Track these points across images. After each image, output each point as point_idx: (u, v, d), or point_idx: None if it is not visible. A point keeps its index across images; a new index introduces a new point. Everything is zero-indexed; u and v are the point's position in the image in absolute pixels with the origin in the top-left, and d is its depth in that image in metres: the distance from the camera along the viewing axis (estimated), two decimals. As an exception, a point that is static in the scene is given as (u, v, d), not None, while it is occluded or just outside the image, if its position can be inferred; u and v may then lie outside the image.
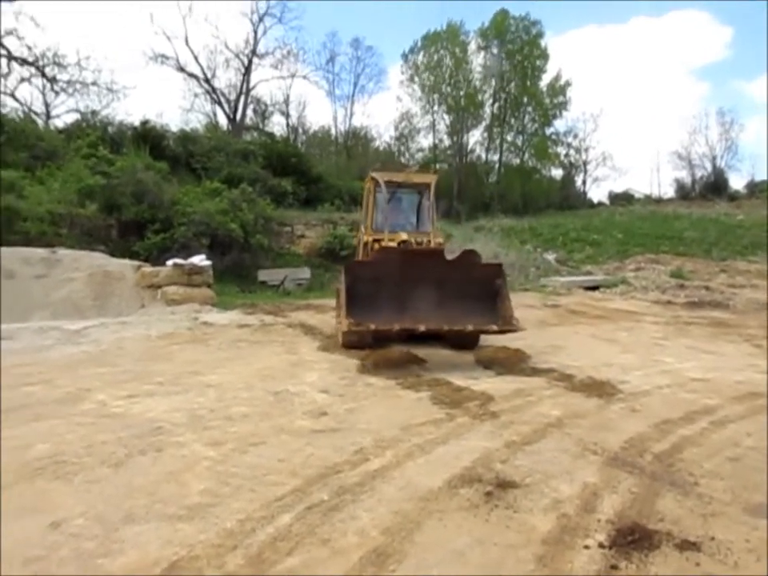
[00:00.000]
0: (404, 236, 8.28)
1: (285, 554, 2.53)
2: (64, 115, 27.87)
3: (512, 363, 6.64)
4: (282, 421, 4.53)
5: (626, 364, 6.78)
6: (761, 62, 58.75)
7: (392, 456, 3.75)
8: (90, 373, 6.11)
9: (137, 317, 10.61)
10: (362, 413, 4.78)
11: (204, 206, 17.18)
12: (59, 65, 26.06)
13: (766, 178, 40.95)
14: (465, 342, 7.36)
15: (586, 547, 2.61)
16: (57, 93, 27.14)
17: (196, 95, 33.39)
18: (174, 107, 52.99)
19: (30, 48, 25.05)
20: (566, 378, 5.96)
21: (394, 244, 8.05)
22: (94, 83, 27.02)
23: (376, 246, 8.44)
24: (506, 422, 4.51)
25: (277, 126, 36.08)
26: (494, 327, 6.75)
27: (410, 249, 7.89)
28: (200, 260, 11.92)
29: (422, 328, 6.49)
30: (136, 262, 13.17)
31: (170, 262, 11.83)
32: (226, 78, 33.71)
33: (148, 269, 12.12)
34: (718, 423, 4.49)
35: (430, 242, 8.39)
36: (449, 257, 7.29)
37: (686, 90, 62.64)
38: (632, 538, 2.65)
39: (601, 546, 2.62)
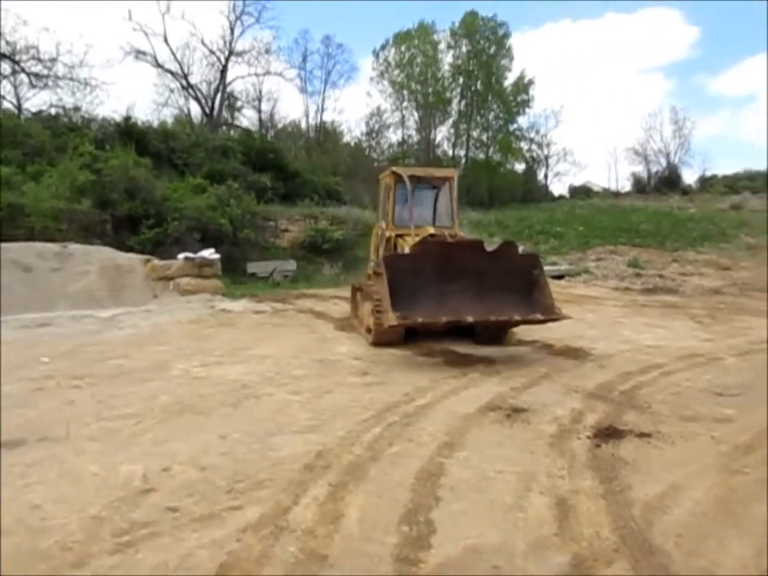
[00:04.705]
0: (431, 230, 8.23)
1: (387, 446, 3.86)
2: (42, 110, 28.09)
3: (501, 338, 8.03)
4: (336, 378, 5.83)
5: (594, 336, 8.27)
6: (725, 60, 61.83)
7: (431, 397, 5.11)
8: (156, 350, 7.27)
9: (157, 306, 11.66)
10: (395, 372, 6.13)
11: (194, 201, 18.07)
12: (39, 60, 26.28)
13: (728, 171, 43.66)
14: (495, 336, 7.53)
15: (579, 438, 4.03)
16: (34, 86, 27.37)
17: (171, 90, 33.76)
18: (145, 101, 52.72)
19: (8, 43, 25.27)
20: (547, 347, 7.42)
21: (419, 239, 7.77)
22: (72, 78, 27.30)
23: (400, 241, 8.60)
24: (507, 376, 5.92)
25: (246, 119, 36.70)
26: (539, 316, 6.64)
27: (449, 241, 7.73)
28: (210, 253, 12.98)
29: (470, 319, 6.44)
30: (143, 256, 14.15)
31: (181, 256, 12.86)
32: (201, 74, 33.95)
33: (159, 262, 13.10)
34: (665, 373, 5.99)
35: (456, 234, 8.51)
36: (488, 248, 7.22)
37: (646, 87, 65.70)
38: (608, 433, 4.09)
39: (588, 437, 4.04)
